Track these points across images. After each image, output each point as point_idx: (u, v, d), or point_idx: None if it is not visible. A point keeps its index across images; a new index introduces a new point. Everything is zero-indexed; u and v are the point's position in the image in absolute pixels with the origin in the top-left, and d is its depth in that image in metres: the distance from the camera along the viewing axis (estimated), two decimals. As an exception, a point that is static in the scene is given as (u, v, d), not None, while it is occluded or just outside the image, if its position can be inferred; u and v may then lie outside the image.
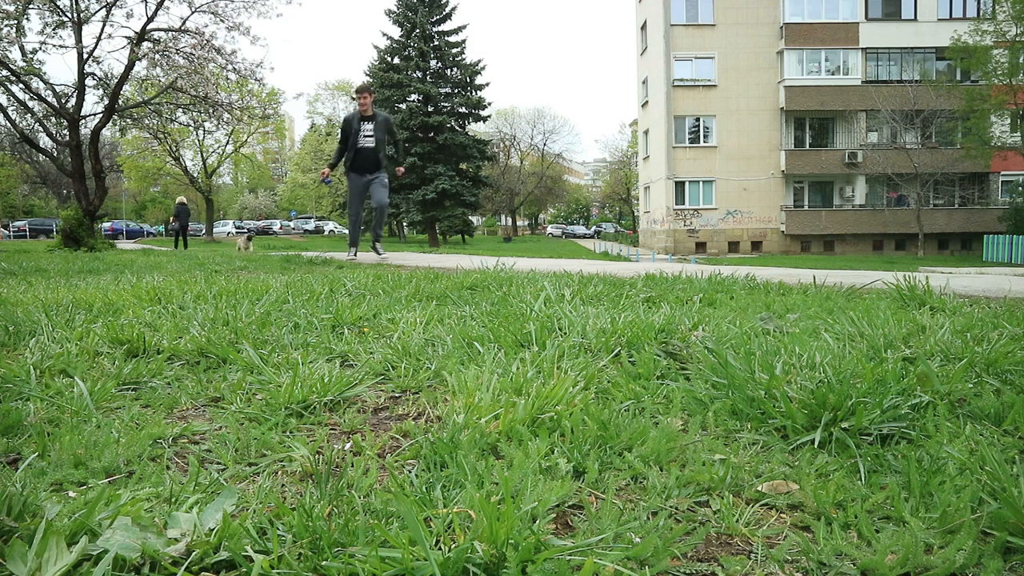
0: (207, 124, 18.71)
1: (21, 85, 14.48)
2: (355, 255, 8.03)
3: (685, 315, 2.30)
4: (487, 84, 40.18)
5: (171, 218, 24.35)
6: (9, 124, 15.85)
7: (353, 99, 11.16)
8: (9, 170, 43.19)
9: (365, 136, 7.83)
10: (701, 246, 32.34)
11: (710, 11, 31.62)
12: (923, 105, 29.13)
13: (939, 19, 30.94)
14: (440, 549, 0.84)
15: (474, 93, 39.32)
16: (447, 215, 37.52)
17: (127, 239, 41.47)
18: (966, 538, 0.88)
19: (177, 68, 14.72)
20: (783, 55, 31.18)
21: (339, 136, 7.99)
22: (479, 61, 39.22)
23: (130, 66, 14.51)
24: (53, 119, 16.13)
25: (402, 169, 8.01)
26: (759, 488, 1.07)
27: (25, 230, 42.05)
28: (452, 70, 39.55)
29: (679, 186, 32.31)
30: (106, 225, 40.98)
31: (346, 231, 54.62)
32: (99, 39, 14.55)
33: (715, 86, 31.65)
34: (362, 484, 1.06)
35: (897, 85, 30.30)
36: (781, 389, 1.38)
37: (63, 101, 15.15)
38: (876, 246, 32.14)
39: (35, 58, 14.61)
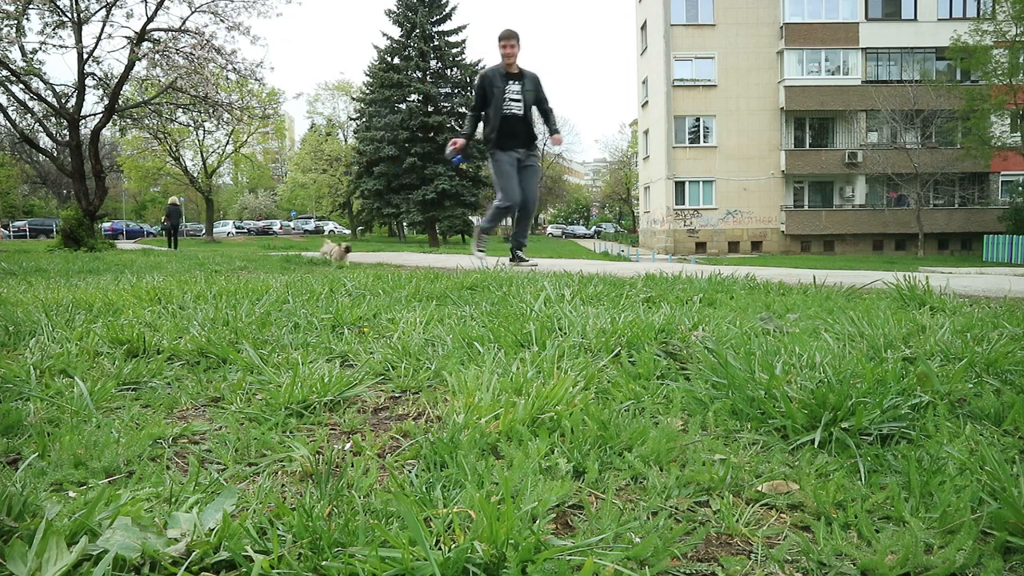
0: (207, 124, 18.76)
1: (21, 85, 14.50)
2: (484, 255, 6.22)
3: (685, 315, 2.29)
4: (487, 84, 40.16)
5: (163, 218, 24.83)
6: (9, 124, 15.88)
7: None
8: (9, 170, 43.22)
9: (512, 99, 5.94)
10: (701, 246, 32.34)
11: (710, 11, 31.63)
12: (923, 105, 29.14)
13: (939, 19, 30.94)
14: (440, 549, 0.84)
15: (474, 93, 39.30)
16: (447, 215, 37.50)
17: (127, 239, 41.53)
18: (966, 538, 0.88)
19: (177, 68, 14.74)
20: (783, 55, 31.18)
21: (472, 102, 6.15)
22: (479, 61, 39.21)
23: (130, 66, 14.53)
24: (53, 119, 16.16)
25: (560, 137, 6.21)
26: (759, 488, 1.07)
27: (25, 230, 42.09)
28: (452, 70, 39.53)
29: (679, 186, 32.32)
30: (106, 225, 41.03)
31: (347, 231, 54.64)
32: (99, 39, 14.58)
33: (715, 86, 31.65)
34: (362, 484, 1.06)
35: (897, 85, 30.31)
36: (781, 389, 1.38)
37: (63, 101, 15.16)
38: (876, 246, 32.14)
39: (35, 58, 14.64)
